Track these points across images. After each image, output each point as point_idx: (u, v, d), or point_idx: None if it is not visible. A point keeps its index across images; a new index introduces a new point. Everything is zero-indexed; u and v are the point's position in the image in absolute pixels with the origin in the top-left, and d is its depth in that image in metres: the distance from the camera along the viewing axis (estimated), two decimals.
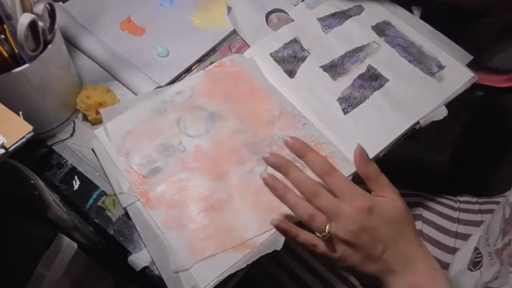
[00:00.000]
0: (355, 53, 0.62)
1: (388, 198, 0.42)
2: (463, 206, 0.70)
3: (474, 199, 0.71)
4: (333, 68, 0.60)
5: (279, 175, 0.42)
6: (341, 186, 0.41)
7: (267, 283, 0.64)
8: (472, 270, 0.55)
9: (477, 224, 0.67)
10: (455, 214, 0.68)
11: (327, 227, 0.40)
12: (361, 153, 0.43)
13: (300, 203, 0.41)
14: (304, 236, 0.42)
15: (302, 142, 0.43)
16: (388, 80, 0.59)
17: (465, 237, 0.66)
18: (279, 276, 0.64)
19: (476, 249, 0.57)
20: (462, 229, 0.67)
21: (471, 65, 0.62)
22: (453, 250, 0.66)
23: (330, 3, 0.67)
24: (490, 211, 0.67)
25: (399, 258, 0.42)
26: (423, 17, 0.73)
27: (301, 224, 0.42)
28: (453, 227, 0.67)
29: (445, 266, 0.64)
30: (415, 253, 0.42)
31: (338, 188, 0.41)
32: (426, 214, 0.68)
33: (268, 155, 0.42)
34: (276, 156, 0.42)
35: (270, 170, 0.51)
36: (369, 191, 0.43)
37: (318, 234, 0.41)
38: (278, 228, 0.42)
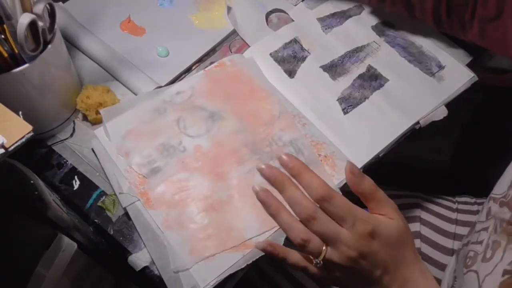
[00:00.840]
0: (355, 53, 0.62)
1: (388, 217, 0.40)
2: (461, 207, 0.70)
3: (473, 200, 0.71)
4: (333, 68, 0.60)
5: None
6: (341, 212, 0.38)
7: (264, 285, 0.64)
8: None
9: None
10: (453, 215, 0.68)
11: (322, 253, 0.38)
12: (351, 169, 0.39)
13: (294, 225, 0.38)
14: (294, 258, 0.40)
15: (298, 161, 0.39)
16: (388, 80, 0.59)
17: (463, 238, 0.66)
18: (276, 279, 0.64)
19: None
20: (460, 230, 0.67)
21: (471, 65, 0.62)
22: (451, 252, 0.66)
23: (330, 3, 0.67)
24: None
25: (398, 280, 0.40)
26: None
27: None
28: (451, 228, 0.67)
29: (443, 267, 0.64)
30: (413, 274, 0.40)
31: (338, 214, 0.38)
32: (424, 215, 0.68)
33: (264, 167, 0.39)
34: (271, 168, 0.39)
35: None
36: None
37: (311, 258, 0.39)
38: (265, 251, 0.40)
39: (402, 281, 0.40)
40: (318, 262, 0.38)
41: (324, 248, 0.38)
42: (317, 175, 0.39)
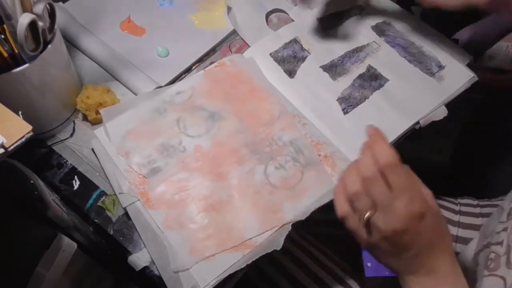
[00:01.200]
0: (355, 53, 0.62)
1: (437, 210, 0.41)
2: (463, 209, 0.70)
3: (475, 202, 0.71)
4: (333, 68, 0.60)
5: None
6: (403, 183, 0.38)
7: (264, 285, 0.64)
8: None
9: (477, 228, 0.67)
10: (456, 218, 0.68)
11: (368, 213, 0.39)
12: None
13: (354, 179, 0.40)
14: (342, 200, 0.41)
15: (379, 133, 0.41)
16: (388, 80, 0.59)
17: (466, 241, 0.66)
18: (276, 279, 0.64)
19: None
20: (462, 233, 0.67)
21: (471, 65, 0.62)
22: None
23: (330, 3, 0.66)
24: (491, 215, 0.67)
25: (426, 266, 0.41)
26: (423, 17, 0.73)
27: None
28: (453, 230, 0.67)
29: None
30: (444, 267, 0.41)
31: (400, 184, 0.38)
32: None
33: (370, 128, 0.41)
34: (376, 130, 0.41)
35: (270, 170, 0.51)
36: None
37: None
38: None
39: (431, 268, 0.40)
40: (363, 219, 0.39)
41: (372, 211, 0.39)
42: (391, 146, 0.39)
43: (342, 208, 0.41)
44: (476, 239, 0.59)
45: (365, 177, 0.39)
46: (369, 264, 0.61)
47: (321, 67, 0.60)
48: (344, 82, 0.59)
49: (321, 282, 0.64)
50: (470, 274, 0.57)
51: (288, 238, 0.65)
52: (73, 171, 0.54)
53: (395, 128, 0.56)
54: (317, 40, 0.63)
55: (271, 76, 0.59)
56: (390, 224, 0.38)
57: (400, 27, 0.65)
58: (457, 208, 0.70)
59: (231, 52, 0.64)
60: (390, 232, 0.38)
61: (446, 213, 0.69)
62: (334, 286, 0.64)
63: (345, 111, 0.57)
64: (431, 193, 0.40)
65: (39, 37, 0.46)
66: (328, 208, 0.69)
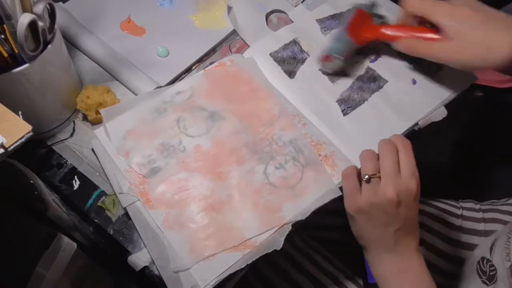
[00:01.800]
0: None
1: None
2: (466, 213, 0.69)
3: (477, 206, 0.70)
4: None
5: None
6: (407, 164, 0.45)
7: (262, 286, 0.64)
8: (487, 284, 0.55)
9: (480, 233, 0.66)
10: (458, 222, 0.68)
11: (372, 174, 0.44)
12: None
13: (369, 150, 0.47)
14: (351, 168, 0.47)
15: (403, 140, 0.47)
16: (387, 81, 0.59)
17: (468, 246, 0.66)
18: (277, 283, 0.64)
19: (488, 261, 0.56)
20: (465, 238, 0.66)
21: None
22: (453, 259, 0.65)
23: (330, 4, 0.66)
24: (494, 220, 0.67)
25: (403, 242, 0.45)
26: None
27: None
28: (455, 235, 0.67)
29: (448, 275, 0.64)
30: (415, 241, 0.46)
31: (404, 163, 0.45)
32: (429, 222, 0.68)
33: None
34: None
35: (270, 170, 0.51)
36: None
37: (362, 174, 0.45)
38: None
39: (404, 249, 0.46)
40: (364, 178, 0.45)
41: (375, 175, 0.44)
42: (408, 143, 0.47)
43: (349, 168, 0.47)
44: (484, 244, 0.59)
45: (382, 147, 0.46)
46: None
47: (320, 69, 0.60)
48: (343, 84, 0.59)
49: (317, 282, 0.64)
50: (473, 279, 0.57)
51: (290, 242, 0.65)
52: (73, 171, 0.54)
53: (395, 129, 0.56)
54: (316, 42, 0.63)
55: (271, 76, 0.59)
56: (386, 191, 0.43)
57: None
58: (459, 212, 0.69)
59: (231, 52, 0.64)
60: (383, 199, 0.43)
61: (448, 218, 0.68)
62: (329, 285, 0.64)
63: (345, 113, 0.57)
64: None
65: (39, 37, 0.47)
66: (330, 213, 0.69)
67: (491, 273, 0.55)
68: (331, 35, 0.61)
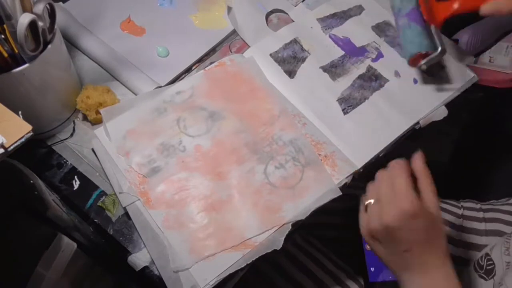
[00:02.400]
0: (355, 53, 0.62)
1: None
2: (466, 213, 0.69)
3: (478, 206, 0.70)
4: (333, 69, 0.60)
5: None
6: (400, 189, 0.43)
7: (263, 285, 0.64)
8: (485, 279, 0.55)
9: (481, 233, 0.66)
10: (459, 222, 0.68)
11: (369, 201, 0.45)
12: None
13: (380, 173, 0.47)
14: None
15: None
16: (388, 80, 0.59)
17: (469, 246, 0.66)
18: (278, 282, 0.64)
19: (487, 255, 0.56)
20: (465, 237, 0.66)
21: (471, 65, 0.62)
22: (454, 259, 0.65)
23: (330, 3, 0.66)
24: (495, 220, 0.67)
25: (418, 263, 0.44)
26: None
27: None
28: (457, 235, 0.67)
29: None
30: (435, 260, 0.44)
31: (396, 185, 0.44)
32: None
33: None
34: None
35: (270, 170, 0.51)
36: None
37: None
38: None
39: (422, 267, 0.44)
40: (366, 202, 0.46)
41: (373, 200, 0.45)
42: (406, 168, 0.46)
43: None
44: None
45: (378, 178, 0.46)
46: (372, 269, 0.61)
47: (321, 67, 0.60)
48: (344, 83, 0.59)
49: (324, 286, 0.64)
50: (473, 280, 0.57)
51: (292, 241, 0.65)
52: (73, 171, 0.54)
53: (395, 128, 0.56)
54: (317, 41, 0.63)
55: (271, 76, 0.59)
56: (385, 217, 0.43)
57: None
58: (460, 212, 0.69)
59: (231, 52, 0.64)
60: (384, 224, 0.43)
61: (449, 217, 0.68)
62: (331, 285, 0.64)
63: (345, 112, 0.57)
64: (435, 200, 0.43)
65: (39, 37, 0.47)
66: (331, 211, 0.69)
67: (489, 267, 0.55)
68: (408, 33, 0.56)
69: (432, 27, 0.54)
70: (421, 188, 0.44)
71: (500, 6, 0.49)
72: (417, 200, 0.43)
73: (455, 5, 0.52)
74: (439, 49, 0.52)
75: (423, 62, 0.54)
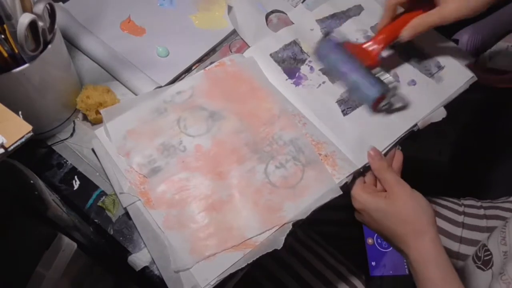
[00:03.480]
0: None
1: (386, 197, 0.50)
2: (467, 210, 0.69)
3: (479, 203, 0.70)
4: (332, 71, 0.60)
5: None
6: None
7: (267, 282, 0.64)
8: (483, 270, 0.55)
9: (482, 229, 0.67)
10: (460, 218, 0.68)
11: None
12: (372, 154, 0.53)
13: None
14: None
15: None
16: None
17: (470, 242, 0.66)
18: (282, 277, 0.64)
19: (484, 246, 0.57)
20: (466, 234, 0.67)
21: (470, 66, 0.62)
22: (456, 255, 0.65)
23: (330, 3, 0.66)
24: (496, 217, 0.67)
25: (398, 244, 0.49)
26: None
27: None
28: (457, 231, 0.67)
29: None
30: (408, 250, 0.48)
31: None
32: None
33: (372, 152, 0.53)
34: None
35: (271, 169, 0.51)
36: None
37: None
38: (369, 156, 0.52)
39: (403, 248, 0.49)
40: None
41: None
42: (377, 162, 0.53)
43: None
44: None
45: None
46: (373, 263, 0.62)
47: (320, 69, 0.60)
48: (343, 85, 0.59)
49: (326, 281, 0.64)
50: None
51: (295, 237, 0.65)
52: (73, 171, 0.54)
53: (394, 129, 0.56)
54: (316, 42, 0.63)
55: (271, 76, 0.59)
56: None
57: None
58: (461, 209, 0.69)
59: (231, 52, 0.64)
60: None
61: (450, 214, 0.68)
62: (339, 285, 0.64)
63: (345, 113, 0.57)
64: (364, 199, 0.51)
65: (39, 37, 0.46)
66: (334, 208, 0.69)
67: (486, 258, 0.56)
68: (357, 86, 0.55)
69: (375, 69, 0.56)
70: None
71: (416, 28, 0.54)
72: (365, 197, 0.50)
73: (381, 45, 0.56)
74: (390, 86, 0.54)
75: (383, 104, 0.55)
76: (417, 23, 0.54)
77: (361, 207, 0.51)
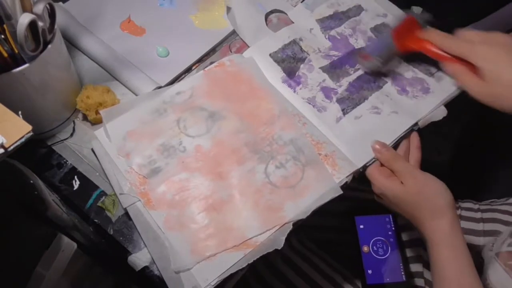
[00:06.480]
0: (354, 55, 0.62)
1: (400, 184, 0.51)
2: (464, 213, 0.69)
3: (476, 206, 0.70)
4: (332, 70, 0.60)
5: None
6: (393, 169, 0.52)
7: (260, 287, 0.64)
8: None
9: (478, 233, 0.66)
10: None
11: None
12: (377, 147, 0.53)
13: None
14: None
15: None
16: (386, 82, 0.59)
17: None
18: (275, 286, 0.64)
19: (478, 254, 0.57)
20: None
21: None
22: None
23: (329, 3, 0.66)
24: (492, 220, 0.67)
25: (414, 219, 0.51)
26: None
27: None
28: None
29: None
30: (426, 230, 0.49)
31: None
32: None
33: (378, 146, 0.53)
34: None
35: (271, 169, 0.51)
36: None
37: None
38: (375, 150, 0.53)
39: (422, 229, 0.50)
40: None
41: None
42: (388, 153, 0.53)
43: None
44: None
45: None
46: (369, 272, 0.61)
47: (320, 68, 0.60)
48: (343, 83, 0.59)
49: (316, 285, 0.64)
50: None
51: (288, 245, 0.65)
52: (73, 171, 0.54)
53: (394, 129, 0.56)
54: (316, 42, 0.63)
55: (271, 76, 0.59)
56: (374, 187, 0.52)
57: None
58: (458, 212, 0.69)
59: (231, 52, 0.64)
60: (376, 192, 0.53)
61: None
62: None
63: (345, 112, 0.57)
64: (384, 183, 0.51)
65: (39, 37, 0.46)
66: (328, 214, 0.69)
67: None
68: (377, 36, 0.60)
69: (392, 43, 0.57)
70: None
71: (456, 77, 0.55)
72: (382, 181, 0.51)
73: (428, 45, 0.56)
74: (381, 61, 0.57)
75: (364, 61, 0.58)
76: (465, 78, 0.53)
77: (379, 192, 0.51)
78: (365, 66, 0.59)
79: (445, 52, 0.55)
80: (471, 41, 0.52)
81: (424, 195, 0.49)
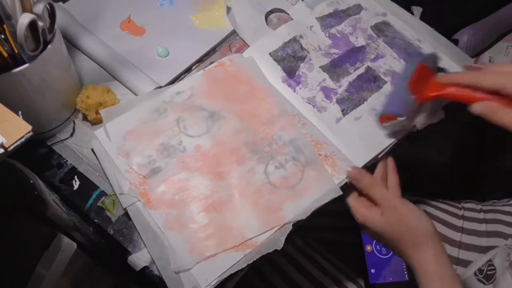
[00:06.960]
0: (354, 53, 0.62)
1: (379, 213, 0.49)
2: (467, 214, 0.69)
3: (479, 206, 0.70)
4: (332, 69, 0.60)
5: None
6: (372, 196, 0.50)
7: (260, 284, 0.64)
8: (485, 284, 0.55)
9: (481, 234, 0.66)
10: (459, 223, 0.68)
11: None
12: (352, 174, 0.51)
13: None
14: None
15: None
16: (386, 82, 0.59)
17: (469, 247, 0.65)
18: (279, 285, 0.64)
19: (489, 261, 0.56)
20: (465, 239, 0.66)
21: (469, 65, 0.61)
22: (456, 260, 0.65)
23: (330, 2, 0.66)
24: (495, 221, 0.67)
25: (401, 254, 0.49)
26: (422, 17, 0.73)
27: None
28: (457, 236, 0.66)
29: None
30: (410, 260, 0.48)
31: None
32: None
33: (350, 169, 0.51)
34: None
35: (270, 170, 0.51)
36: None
37: None
38: (350, 175, 0.51)
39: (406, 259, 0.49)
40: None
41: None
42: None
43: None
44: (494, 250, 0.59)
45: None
46: (372, 271, 0.61)
47: (320, 67, 0.60)
48: (343, 83, 0.59)
49: (319, 284, 0.64)
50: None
51: (291, 243, 0.65)
52: (73, 171, 0.54)
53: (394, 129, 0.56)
54: (316, 40, 0.63)
55: (271, 75, 0.59)
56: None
57: (399, 28, 0.64)
58: (460, 212, 0.69)
59: (231, 52, 0.64)
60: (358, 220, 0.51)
61: (450, 218, 0.68)
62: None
63: (344, 112, 0.57)
64: (362, 215, 0.50)
65: (39, 37, 0.46)
66: (331, 213, 0.69)
67: (489, 273, 0.56)
68: (391, 91, 0.55)
69: (409, 97, 0.52)
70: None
71: (489, 110, 0.47)
72: (362, 213, 0.49)
73: (450, 89, 0.50)
74: (404, 117, 0.51)
75: (386, 123, 0.54)
76: (501, 112, 0.46)
77: (361, 223, 0.50)
78: (388, 128, 0.55)
79: (475, 90, 0.48)
80: (509, 72, 0.46)
81: (404, 226, 0.47)
